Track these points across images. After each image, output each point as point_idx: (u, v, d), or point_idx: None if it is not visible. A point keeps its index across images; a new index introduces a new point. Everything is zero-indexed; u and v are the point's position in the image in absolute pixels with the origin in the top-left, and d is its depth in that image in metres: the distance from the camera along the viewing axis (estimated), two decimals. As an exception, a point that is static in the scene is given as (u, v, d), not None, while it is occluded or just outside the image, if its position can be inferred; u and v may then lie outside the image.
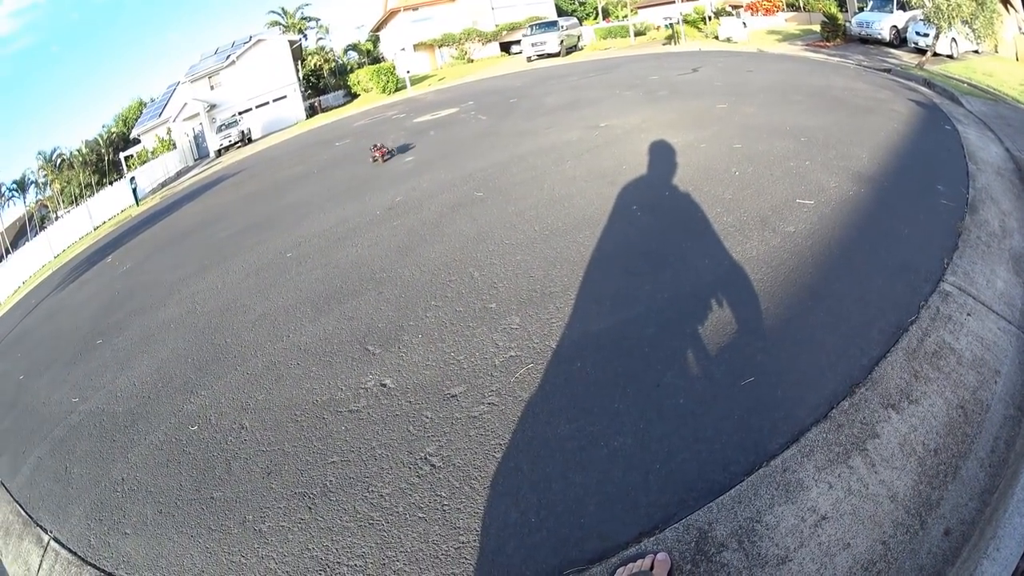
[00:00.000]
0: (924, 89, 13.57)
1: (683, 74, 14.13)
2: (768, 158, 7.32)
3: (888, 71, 16.52)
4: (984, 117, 10.84)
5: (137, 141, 45.49)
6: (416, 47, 46.47)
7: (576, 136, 10.34)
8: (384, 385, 4.30)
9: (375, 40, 55.96)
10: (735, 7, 40.82)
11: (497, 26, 48.03)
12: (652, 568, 2.54)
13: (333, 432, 3.91)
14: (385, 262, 6.68)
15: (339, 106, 42.59)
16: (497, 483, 3.19)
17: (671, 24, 35.36)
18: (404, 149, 12.79)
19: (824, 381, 3.67)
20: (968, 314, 4.59)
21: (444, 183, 9.54)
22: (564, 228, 6.37)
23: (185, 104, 40.27)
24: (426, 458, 3.47)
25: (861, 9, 26.96)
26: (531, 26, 38.56)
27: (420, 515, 3.08)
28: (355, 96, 43.77)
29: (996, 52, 19.63)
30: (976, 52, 19.68)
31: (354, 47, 57.50)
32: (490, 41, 48.07)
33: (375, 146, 12.89)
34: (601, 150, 8.96)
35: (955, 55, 20.09)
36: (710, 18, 37.27)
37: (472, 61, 46.28)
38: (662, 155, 8.02)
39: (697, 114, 10.17)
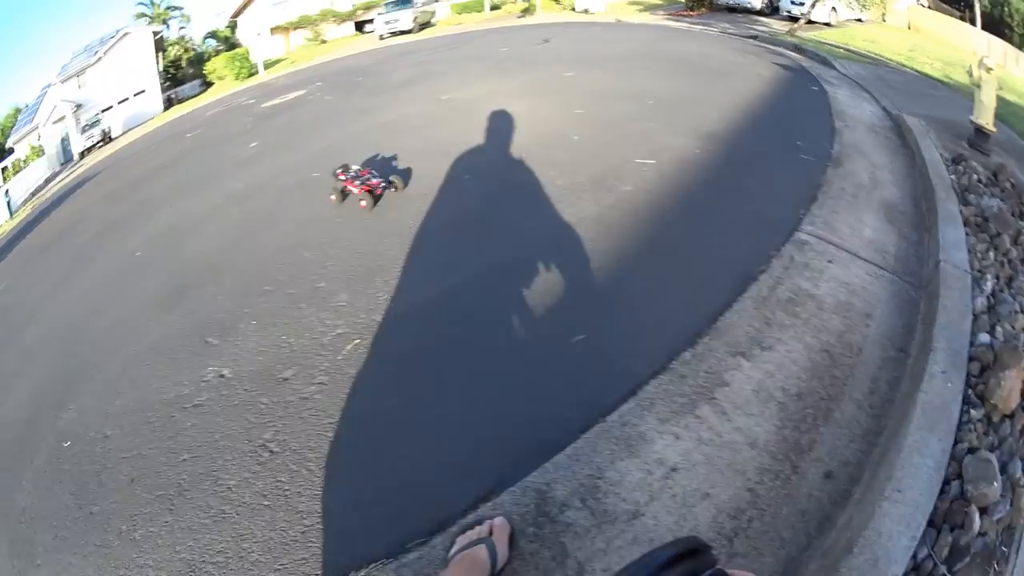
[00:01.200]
0: (793, 54, 13.72)
1: (534, 45, 13.99)
2: (610, 122, 7.29)
3: (755, 38, 16.46)
4: (859, 79, 11.16)
5: (12, 151, 42.66)
6: (273, 31, 43.98)
7: (417, 110, 10.01)
8: (223, 376, 4.14)
9: (233, 26, 53.41)
10: (596, -23, 40.61)
11: (354, 5, 46.05)
12: (492, 533, 2.47)
13: (182, 429, 3.74)
14: (225, 252, 6.41)
15: (195, 96, 40.23)
16: (332, 463, 3.14)
17: (528, -4, 35.06)
18: (406, 177, 6.93)
19: (663, 333, 3.61)
20: (829, 261, 4.64)
21: (284, 167, 9.15)
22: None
23: (54, 107, 36.18)
24: (264, 445, 3.37)
25: (729, -23, 25.65)
26: (386, 4, 36.73)
27: (265, 503, 3.01)
28: (210, 84, 42.01)
29: (883, 21, 20.13)
30: (859, 20, 19.90)
31: (213, 35, 55.02)
32: (345, 21, 46.44)
33: (362, 180, 6.48)
34: (440, 123, 8.72)
35: (833, 23, 20.30)
36: (569, -11, 36.90)
37: (325, 42, 44.74)
38: (501, 124, 7.87)
39: (542, 83, 9.99)
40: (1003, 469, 3.18)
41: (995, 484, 2.94)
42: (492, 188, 6.02)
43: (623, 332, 3.69)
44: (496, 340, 3.82)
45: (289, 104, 15.39)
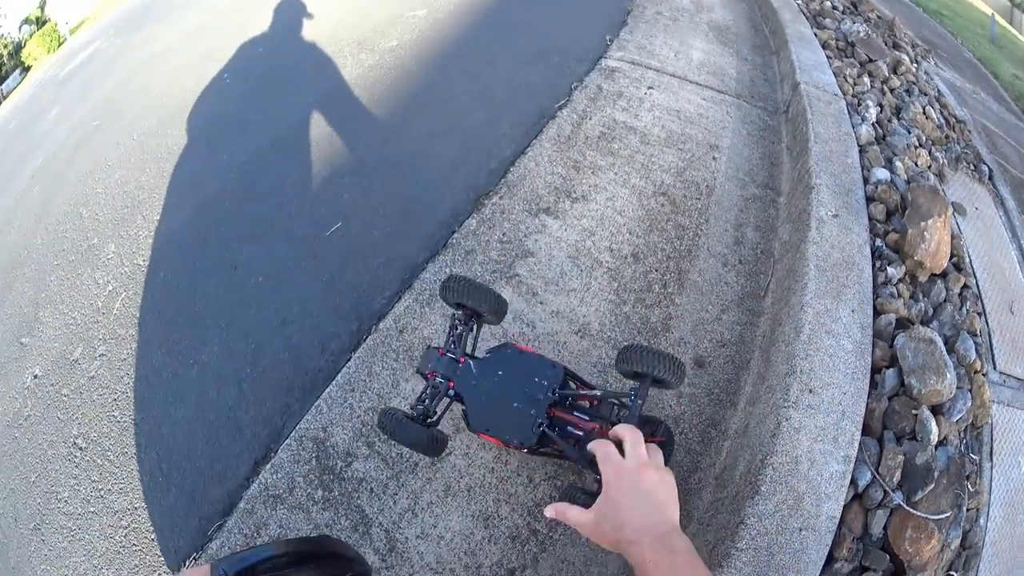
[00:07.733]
0: None
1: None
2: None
3: None
4: None
5: None
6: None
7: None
8: (36, 376, 3.10)
9: (43, 4, 47.92)
10: None
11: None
12: None
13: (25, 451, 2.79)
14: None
15: (17, 86, 36.56)
16: (123, 447, 2.45)
17: None
18: None
19: (438, 202, 2.90)
20: (649, 87, 3.78)
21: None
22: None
23: None
24: (75, 442, 2.57)
25: None
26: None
27: (91, 509, 2.31)
28: (27, 69, 37.61)
29: None
30: None
31: (27, 20, 49.24)
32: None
33: None
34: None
35: None
36: None
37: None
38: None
39: None
40: (950, 349, 2.29)
41: (948, 374, 2.03)
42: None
43: (389, 210, 2.94)
44: (244, 254, 3.04)
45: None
